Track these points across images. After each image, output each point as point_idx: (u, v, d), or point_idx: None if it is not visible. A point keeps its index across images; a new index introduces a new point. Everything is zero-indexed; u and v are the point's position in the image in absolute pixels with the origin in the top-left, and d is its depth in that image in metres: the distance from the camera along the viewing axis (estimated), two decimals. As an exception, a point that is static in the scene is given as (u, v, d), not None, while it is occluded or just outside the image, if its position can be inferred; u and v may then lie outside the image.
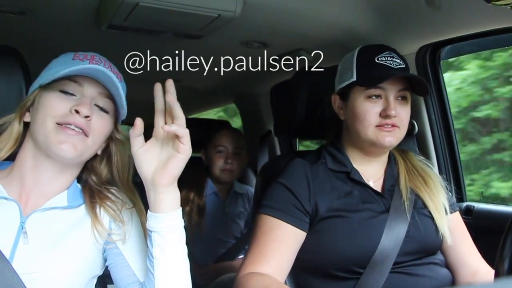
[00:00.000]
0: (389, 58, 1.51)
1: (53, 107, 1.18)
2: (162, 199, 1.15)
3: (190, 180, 2.73)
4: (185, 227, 2.58)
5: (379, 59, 1.50)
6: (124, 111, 1.26)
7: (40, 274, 1.15)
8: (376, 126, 1.48)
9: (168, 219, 1.16)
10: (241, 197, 2.82)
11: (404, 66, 1.52)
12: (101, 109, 1.23)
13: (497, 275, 1.07)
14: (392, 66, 1.49)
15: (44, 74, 1.25)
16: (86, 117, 1.18)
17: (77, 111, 1.16)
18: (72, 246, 1.21)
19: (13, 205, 1.18)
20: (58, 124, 1.16)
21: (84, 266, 1.23)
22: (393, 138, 1.49)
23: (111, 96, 1.23)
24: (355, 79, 1.52)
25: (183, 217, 2.58)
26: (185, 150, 1.15)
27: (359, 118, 1.50)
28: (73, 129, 1.17)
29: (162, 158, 1.16)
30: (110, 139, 1.30)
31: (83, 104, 1.17)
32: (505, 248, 1.05)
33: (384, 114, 1.47)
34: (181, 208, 1.19)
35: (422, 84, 1.52)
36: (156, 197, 1.15)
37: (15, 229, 1.16)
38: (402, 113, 1.50)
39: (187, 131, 1.14)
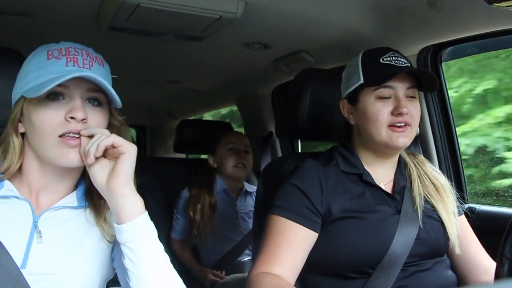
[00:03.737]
0: (393, 57, 1.52)
1: (47, 120, 1.14)
2: (122, 204, 1.12)
3: (199, 178, 2.77)
4: (197, 224, 2.62)
5: (384, 59, 1.51)
6: (116, 103, 1.21)
7: (57, 276, 1.15)
8: (389, 126, 1.48)
9: (129, 228, 1.12)
10: (251, 196, 2.83)
11: (408, 65, 1.53)
12: (94, 104, 1.20)
13: (497, 276, 1.07)
14: (398, 64, 1.50)
15: (23, 80, 1.19)
16: (82, 119, 1.15)
17: (72, 117, 1.14)
18: (87, 247, 1.22)
19: (25, 204, 1.18)
20: (59, 136, 1.14)
21: (100, 268, 1.23)
22: (405, 138, 1.49)
23: (100, 89, 1.18)
24: (362, 81, 1.52)
25: (194, 215, 2.61)
26: (125, 148, 1.13)
27: (371, 119, 1.50)
28: (73, 137, 1.14)
29: (112, 165, 1.15)
30: (108, 126, 1.26)
31: (76, 109, 1.15)
32: (505, 249, 1.05)
33: (396, 112, 1.47)
34: (146, 213, 1.15)
35: (431, 78, 1.52)
36: (116, 204, 1.13)
37: (28, 228, 1.16)
38: (413, 111, 1.50)
39: (111, 137, 1.14)
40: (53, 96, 1.15)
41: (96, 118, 1.19)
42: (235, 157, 2.73)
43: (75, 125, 1.15)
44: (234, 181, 2.80)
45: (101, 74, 1.18)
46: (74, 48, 1.21)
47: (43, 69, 1.17)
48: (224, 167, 2.75)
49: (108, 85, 1.16)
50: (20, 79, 1.21)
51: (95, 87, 1.18)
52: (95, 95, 1.20)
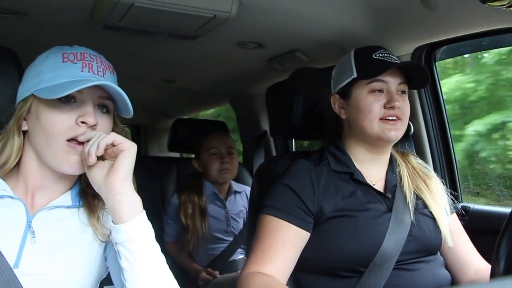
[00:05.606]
0: (385, 54, 1.56)
1: (58, 122, 1.15)
2: (119, 201, 1.11)
3: (187, 183, 2.76)
4: (190, 228, 2.62)
5: (377, 55, 1.55)
6: (129, 112, 1.23)
7: (49, 276, 1.15)
8: (381, 118, 1.51)
9: (128, 228, 1.11)
10: (240, 196, 2.83)
11: (399, 62, 1.56)
12: (102, 110, 1.21)
13: (492, 275, 1.07)
14: (390, 60, 1.54)
15: (34, 79, 1.19)
16: (93, 125, 1.16)
17: (83, 122, 1.15)
18: (79, 247, 1.21)
19: (19, 204, 1.18)
20: (67, 140, 1.14)
21: (93, 268, 1.23)
22: (397, 131, 1.52)
23: (110, 97, 1.21)
24: (356, 75, 1.55)
25: (186, 221, 2.60)
26: (125, 145, 1.13)
27: (364, 112, 1.53)
28: (80, 142, 1.15)
29: (110, 165, 1.15)
30: None
31: (88, 114, 1.16)
32: (500, 248, 1.06)
33: (388, 106, 1.50)
34: (143, 213, 1.14)
35: (423, 72, 1.55)
36: (114, 202, 1.11)
37: (21, 228, 1.16)
38: (403, 106, 1.54)
39: (111, 135, 1.14)
40: (65, 99, 1.15)
41: (104, 125, 1.21)
42: (219, 162, 2.69)
43: (84, 130, 1.15)
44: (220, 184, 2.78)
45: (113, 82, 1.20)
46: (89, 54, 1.22)
47: (58, 71, 1.17)
48: (208, 172, 2.72)
49: (125, 95, 1.17)
50: (30, 77, 1.21)
51: (106, 95, 1.20)
52: (105, 103, 1.22)
